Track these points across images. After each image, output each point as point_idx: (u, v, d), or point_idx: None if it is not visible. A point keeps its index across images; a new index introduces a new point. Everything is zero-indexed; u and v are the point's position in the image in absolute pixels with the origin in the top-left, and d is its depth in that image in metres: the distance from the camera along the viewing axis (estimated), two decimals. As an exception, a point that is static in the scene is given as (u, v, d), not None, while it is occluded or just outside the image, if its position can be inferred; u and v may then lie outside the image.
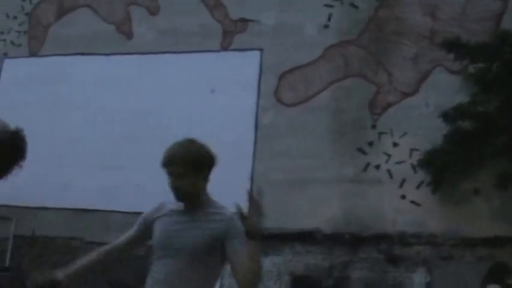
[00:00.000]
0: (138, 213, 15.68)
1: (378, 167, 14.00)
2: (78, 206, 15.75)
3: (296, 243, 14.07)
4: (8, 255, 16.09)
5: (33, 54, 17.58)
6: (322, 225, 13.99)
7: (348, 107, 14.56)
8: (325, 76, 14.82)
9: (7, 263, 15.78)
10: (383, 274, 13.46)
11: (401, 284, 13.32)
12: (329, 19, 15.16)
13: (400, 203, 13.70)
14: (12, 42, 17.89)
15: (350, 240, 13.76)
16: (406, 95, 14.35)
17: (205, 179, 4.79)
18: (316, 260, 13.93)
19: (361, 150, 14.18)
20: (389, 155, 13.97)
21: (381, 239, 13.62)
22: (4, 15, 18.09)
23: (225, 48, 15.73)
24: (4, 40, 17.95)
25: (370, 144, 14.16)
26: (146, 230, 4.92)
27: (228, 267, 4.30)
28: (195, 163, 4.60)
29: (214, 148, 14.94)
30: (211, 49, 15.73)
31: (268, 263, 14.13)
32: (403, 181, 13.78)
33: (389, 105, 14.28)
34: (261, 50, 15.37)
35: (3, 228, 16.24)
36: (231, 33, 15.78)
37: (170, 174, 4.69)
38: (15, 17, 18.01)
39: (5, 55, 17.79)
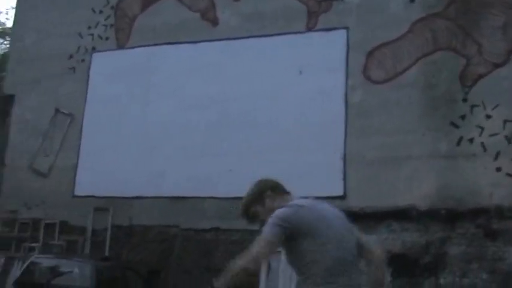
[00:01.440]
0: (232, 199, 15.81)
1: (471, 140, 13.76)
2: (173, 194, 15.94)
3: (392, 221, 13.95)
4: (107, 245, 16.41)
5: (120, 46, 17.84)
6: (417, 201, 13.84)
7: (438, 81, 14.33)
8: (414, 51, 14.61)
9: (106, 253, 16.09)
10: (481, 249, 13.25)
11: (501, 258, 13.10)
12: (416, -6, 14.96)
13: (496, 176, 13.45)
14: (99, 36, 18.17)
15: (446, 216, 13.58)
16: (496, 65, 14.04)
17: (269, 198, 4.79)
18: (412, 237, 13.79)
19: (453, 124, 13.96)
20: (482, 128, 13.72)
21: (478, 213, 13.39)
22: (90, 10, 18.36)
23: (310, 29, 15.64)
24: (92, 34, 18.24)
25: (463, 117, 13.92)
26: None
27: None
28: (247, 210, 4.93)
29: (305, 129, 14.94)
30: (297, 31, 15.68)
31: (365, 242, 14.05)
32: (497, 154, 13.52)
33: (480, 77, 14.00)
34: (346, 28, 15.23)
35: (101, 219, 16.58)
36: (315, 14, 15.67)
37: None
38: (101, 11, 18.27)
39: (93, 49, 18.07)
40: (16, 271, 14.86)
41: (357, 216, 13.87)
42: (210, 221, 15.50)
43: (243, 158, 15.20)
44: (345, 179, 14.47)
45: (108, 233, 16.49)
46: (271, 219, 4.16)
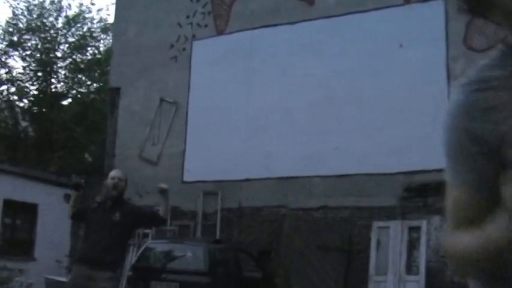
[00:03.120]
0: (340, 177, 15.81)
1: None
2: (280, 175, 16.10)
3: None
4: (218, 228, 16.66)
5: (220, 33, 18.03)
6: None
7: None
8: (516, 15, 14.28)
9: (217, 236, 16.32)
10: None
11: None
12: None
13: None
14: (198, 24, 18.39)
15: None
16: None
17: None
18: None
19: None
20: None
21: None
22: (188, -1, 18.61)
23: (408, 1, 15.50)
24: (191, 23, 18.47)
25: None
26: None
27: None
28: None
29: (409, 103, 14.81)
30: (395, 4, 15.53)
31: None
32: None
33: None
34: (444, -1, 15.05)
35: (211, 203, 16.86)
36: (412, -14, 15.52)
37: None
38: (198, 0, 18.46)
39: (194, 37, 18.32)
40: (132, 257, 15.25)
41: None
42: (318, 200, 15.58)
43: (348, 136, 15.21)
44: (454, 149, 14.28)
45: (218, 216, 16.75)
46: None
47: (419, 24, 15.10)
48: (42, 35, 30.47)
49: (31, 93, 31.00)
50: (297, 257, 15.30)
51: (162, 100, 18.38)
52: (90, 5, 51.78)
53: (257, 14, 17.35)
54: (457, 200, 1.78)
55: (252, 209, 16.38)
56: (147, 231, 16.88)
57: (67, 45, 31.33)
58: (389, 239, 14.65)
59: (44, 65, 30.38)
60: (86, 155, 32.19)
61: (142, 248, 14.37)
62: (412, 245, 14.52)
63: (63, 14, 31.32)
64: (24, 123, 30.38)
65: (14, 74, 30.82)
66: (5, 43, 30.56)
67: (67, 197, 12.58)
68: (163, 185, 7.62)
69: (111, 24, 26.32)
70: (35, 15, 30.58)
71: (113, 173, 7.44)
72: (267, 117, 16.46)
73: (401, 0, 15.54)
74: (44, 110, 30.07)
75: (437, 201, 14.27)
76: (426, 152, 14.24)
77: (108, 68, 22.66)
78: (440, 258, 13.88)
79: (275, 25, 16.98)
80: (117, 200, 7.13)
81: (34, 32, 30.36)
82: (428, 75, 14.74)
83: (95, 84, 32.04)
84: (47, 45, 30.52)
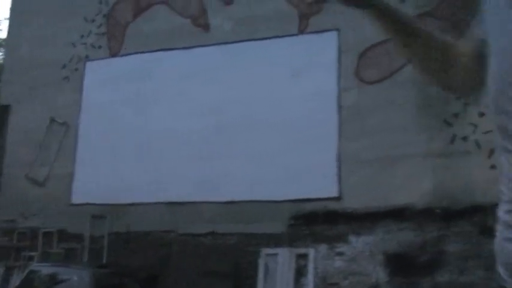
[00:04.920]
0: (229, 203, 15.90)
1: (465, 138, 13.81)
2: (170, 200, 16.01)
3: (388, 221, 14.01)
4: (105, 251, 16.46)
5: (113, 54, 17.90)
6: (413, 201, 13.90)
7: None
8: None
9: (104, 260, 16.15)
10: (478, 246, 13.29)
11: (497, 256, 13.13)
12: (405, -7, 15.01)
13: (490, 173, 13.47)
14: (92, 45, 18.24)
15: (442, 215, 13.64)
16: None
17: None
18: (409, 236, 13.85)
19: (447, 123, 14.02)
20: (475, 125, 13.76)
21: (474, 211, 13.44)
22: (82, 19, 18.43)
23: (302, 31, 15.72)
24: (85, 43, 18.32)
25: (456, 115, 13.98)
26: None
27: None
28: None
29: (300, 132, 15.05)
30: (289, 33, 15.75)
31: (361, 243, 14.14)
32: (491, 151, 13.56)
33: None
34: (338, 30, 15.30)
35: (99, 227, 16.64)
36: (306, 16, 15.73)
37: None
38: (93, 20, 18.35)
39: (87, 58, 18.15)
40: (16, 280, 14.94)
41: (353, 217, 14.06)
42: (207, 226, 15.58)
43: (238, 162, 15.28)
44: (340, 180, 14.55)
45: (106, 239, 16.54)
46: None
47: (313, 54, 15.32)
48: None
49: None
50: (185, 283, 15.23)
51: (52, 120, 18.07)
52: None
53: (152, 37, 17.29)
54: None
55: (141, 234, 16.24)
56: (32, 253, 16.57)
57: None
58: (277, 266, 14.74)
59: None
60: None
61: (26, 271, 14.08)
62: (300, 272, 14.64)
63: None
64: None
65: None
66: None
67: None
68: None
69: (4, 39, 25.83)
70: None
71: None
72: (158, 141, 16.38)
73: (295, 30, 15.76)
74: None
75: (325, 229, 14.49)
76: (314, 180, 14.47)
77: (-1, 84, 22.21)
78: (327, 285, 14.08)
79: (170, 49, 16.94)
80: None
81: None
82: (319, 105, 14.96)
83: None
84: None
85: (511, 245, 2.04)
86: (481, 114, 13.72)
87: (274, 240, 14.90)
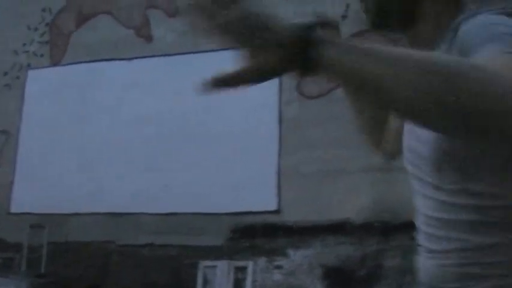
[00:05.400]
0: (168, 214, 15.88)
1: (404, 153, 13.97)
2: (110, 210, 15.92)
3: (326, 235, 14.10)
4: (44, 261, 16.31)
5: (55, 63, 17.77)
6: (352, 215, 14.00)
7: (371, 96, 14.52)
8: (348, 66, 14.81)
9: (43, 270, 15.99)
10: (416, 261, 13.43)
11: (435, 269, 13.29)
12: (347, 9, 15.16)
13: (429, 188, 13.66)
14: (34, 53, 18.09)
15: (381, 229, 13.76)
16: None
17: None
18: (347, 251, 13.95)
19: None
20: (415, 141, 13.91)
21: (413, 225, 13.53)
22: (25, 27, 18.28)
23: (244, 44, 15.77)
24: (27, 52, 18.15)
25: (395, 131, 14.13)
26: None
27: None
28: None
29: (239, 145, 15.11)
30: (231, 46, 15.75)
31: (299, 256, 14.21)
32: (430, 166, 13.73)
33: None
34: (281, 44, 15.39)
35: (37, 236, 16.47)
36: (249, 30, 15.80)
37: None
38: (36, 29, 18.20)
39: (29, 66, 18.01)
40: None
41: (292, 231, 14.13)
42: (146, 237, 15.54)
43: (179, 174, 15.26)
44: (279, 193, 14.61)
45: (45, 249, 16.38)
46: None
47: (255, 67, 15.35)
48: None
49: None
50: (124, 294, 15.20)
51: (-8, 128, 17.91)
52: None
53: (95, 47, 17.20)
54: None
55: (80, 244, 16.10)
56: (-32, 263, 16.38)
57: None
58: (215, 278, 14.75)
59: None
60: None
61: (-39, 281, 13.94)
62: (238, 285, 14.66)
63: None
64: None
65: None
66: None
67: None
68: None
69: None
70: None
71: None
72: (99, 151, 16.26)
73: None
74: None
75: (264, 242, 14.53)
76: (254, 193, 14.52)
77: None
78: (267, 298, 14.15)
79: (112, 59, 16.89)
80: None
81: None
82: (261, 118, 15.01)
83: None
84: None
85: (429, 262, 2.23)
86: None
87: (214, 252, 14.90)
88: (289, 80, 15.10)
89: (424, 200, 2.38)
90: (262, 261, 14.53)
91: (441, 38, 2.27)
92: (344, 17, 15.12)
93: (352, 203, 14.10)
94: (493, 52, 1.73)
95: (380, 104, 1.94)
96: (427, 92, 1.46)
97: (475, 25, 2.01)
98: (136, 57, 16.72)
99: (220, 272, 14.72)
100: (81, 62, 17.25)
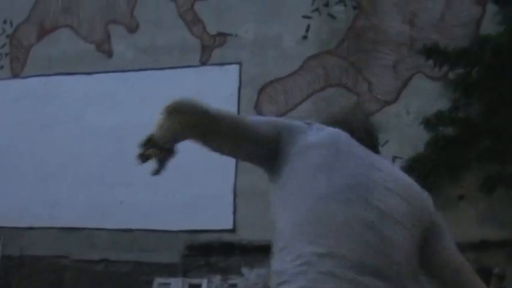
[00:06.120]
0: (123, 230, 15.73)
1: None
2: (65, 225, 15.81)
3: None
4: (-3, 275, 16.18)
5: (15, 75, 17.65)
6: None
7: (329, 117, 14.56)
8: (305, 87, 14.86)
9: (-4, 284, 15.89)
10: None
11: None
12: (307, 30, 15.20)
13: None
14: (-6, 65, 17.96)
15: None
16: (386, 103, 14.39)
17: None
18: (303, 270, 13.93)
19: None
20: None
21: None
22: (-15, 39, 18.16)
23: (204, 63, 15.78)
24: (-14, 63, 18.02)
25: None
26: None
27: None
28: None
29: (196, 163, 14.98)
30: (191, 64, 15.79)
31: (254, 275, 14.18)
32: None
33: (370, 114, 14.24)
34: (239, 63, 15.41)
35: (-9, 250, 16.33)
36: (209, 48, 15.81)
37: None
38: (-4, 41, 18.08)
39: (-13, 77, 17.88)
40: None
41: (246, 250, 14.11)
42: (101, 253, 15.45)
43: (135, 190, 15.17)
44: (235, 212, 14.61)
45: (-2, 263, 16.27)
46: None
47: (214, 86, 15.29)
48: None
49: None
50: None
51: None
52: None
53: (55, 60, 17.13)
54: None
55: (34, 258, 15.98)
56: None
57: None
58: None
59: None
60: None
61: None
62: (193, 303, 14.65)
63: None
64: None
65: None
66: None
67: None
68: None
69: None
70: None
71: None
72: (56, 165, 16.16)
73: (197, 62, 15.81)
74: None
75: (220, 261, 14.51)
76: (210, 212, 14.50)
77: None
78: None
79: (72, 73, 16.81)
80: None
81: None
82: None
83: None
84: None
85: None
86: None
87: (169, 270, 14.85)
88: (247, 101, 15.18)
89: None
90: (217, 279, 14.51)
91: None
92: (305, 37, 15.18)
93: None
94: None
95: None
96: None
97: None
98: (96, 72, 16.65)
99: (174, 289, 14.68)
100: (41, 75, 17.16)
